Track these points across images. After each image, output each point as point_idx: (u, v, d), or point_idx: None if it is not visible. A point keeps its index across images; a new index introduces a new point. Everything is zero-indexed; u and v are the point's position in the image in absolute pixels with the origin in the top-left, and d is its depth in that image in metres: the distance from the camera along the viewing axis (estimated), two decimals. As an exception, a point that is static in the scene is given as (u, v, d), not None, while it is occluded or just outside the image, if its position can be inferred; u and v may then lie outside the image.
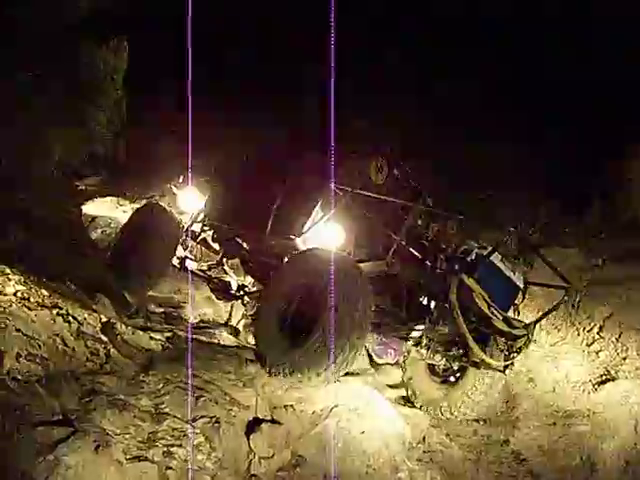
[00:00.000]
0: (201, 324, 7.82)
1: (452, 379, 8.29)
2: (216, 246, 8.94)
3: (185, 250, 8.95)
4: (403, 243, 7.31)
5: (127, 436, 4.80)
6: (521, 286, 7.76)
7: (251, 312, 8.56)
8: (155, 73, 11.40)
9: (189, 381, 5.86)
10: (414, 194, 8.15)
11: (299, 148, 8.20)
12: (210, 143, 9.53)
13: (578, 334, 9.74)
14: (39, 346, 5.29)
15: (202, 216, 8.95)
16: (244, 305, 8.78)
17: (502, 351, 7.43)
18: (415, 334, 7.83)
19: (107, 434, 4.63)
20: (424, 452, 7.24)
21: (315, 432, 6.33)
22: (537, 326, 7.99)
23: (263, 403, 6.30)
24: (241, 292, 8.58)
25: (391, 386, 9.23)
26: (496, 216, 11.51)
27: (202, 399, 5.74)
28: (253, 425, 5.95)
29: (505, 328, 7.20)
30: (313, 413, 6.48)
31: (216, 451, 5.35)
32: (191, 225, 8.97)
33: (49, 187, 8.81)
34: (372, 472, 6.24)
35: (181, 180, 9.61)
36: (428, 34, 13.25)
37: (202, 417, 5.54)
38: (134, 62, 10.42)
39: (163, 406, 5.45)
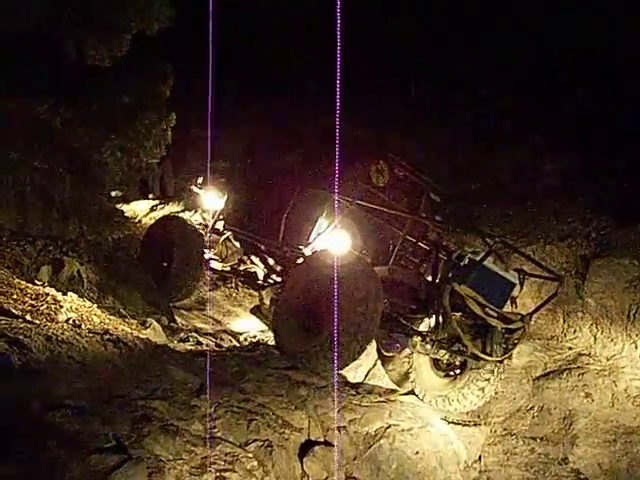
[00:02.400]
0: (250, 345, 7.76)
1: (454, 373, 8.46)
2: (237, 244, 9.62)
3: (209, 251, 9.55)
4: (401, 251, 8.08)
5: (180, 462, 4.78)
6: (515, 282, 8.10)
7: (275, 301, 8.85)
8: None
9: (241, 405, 5.84)
10: (419, 191, 8.81)
11: (307, 157, 8.93)
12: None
13: (635, 347, 9.45)
14: (91, 372, 5.32)
15: (221, 216, 9.64)
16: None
17: (500, 344, 7.78)
18: (421, 329, 8.21)
19: (160, 460, 4.61)
20: (480, 472, 7.12)
21: (369, 453, 6.26)
22: (591, 338, 8.65)
23: (316, 425, 6.24)
24: (268, 280, 9.14)
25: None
26: (544, 228, 11.32)
27: (254, 422, 5.70)
28: (306, 448, 5.91)
29: (500, 325, 7.67)
30: (366, 434, 6.41)
31: (269, 475, 5.31)
32: (214, 224, 9.64)
33: (100, 215, 8.93)
34: (428, 493, 6.15)
35: (201, 180, 10.14)
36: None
37: (254, 441, 5.50)
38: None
39: (215, 430, 5.43)
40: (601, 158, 11.86)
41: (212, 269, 9.61)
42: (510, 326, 7.76)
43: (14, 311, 5.82)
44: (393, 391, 7.81)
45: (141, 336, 6.47)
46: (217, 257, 9.66)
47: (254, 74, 13.62)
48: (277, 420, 5.93)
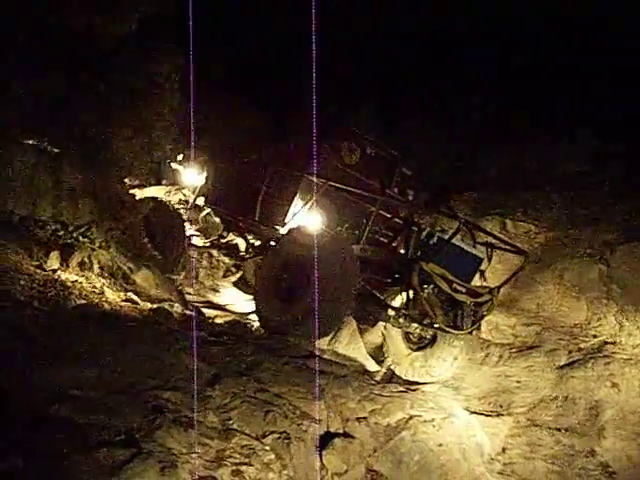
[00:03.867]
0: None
1: (425, 345, 8.84)
2: (217, 219, 10.09)
3: (191, 227, 10.09)
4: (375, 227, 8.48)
5: (194, 455, 4.54)
6: (483, 256, 8.57)
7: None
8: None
9: (257, 395, 5.62)
10: (391, 164, 9.15)
11: (282, 135, 8.99)
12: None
13: (663, 334, 9.17)
14: (100, 362, 5.10)
15: (202, 192, 10.00)
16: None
17: (469, 317, 8.21)
18: (395, 303, 8.62)
19: (173, 454, 4.38)
20: (505, 464, 6.86)
21: (390, 446, 6.01)
22: (617, 326, 8.93)
23: (335, 416, 6.00)
24: (250, 250, 9.56)
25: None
26: (567, 213, 11.05)
27: (271, 414, 5.46)
28: (325, 440, 5.66)
29: (467, 299, 8.07)
30: (387, 425, 6.16)
31: (287, 469, 5.07)
32: (195, 200, 10.09)
33: (111, 200, 8.74)
34: (451, 487, 5.90)
35: (181, 157, 10.64)
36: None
37: (271, 433, 5.27)
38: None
39: (231, 422, 5.20)
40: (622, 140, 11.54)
41: (194, 245, 10.04)
42: (478, 300, 8.12)
43: (21, 298, 5.61)
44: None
45: (152, 322, 6.23)
46: (199, 233, 10.10)
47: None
48: (295, 411, 5.70)
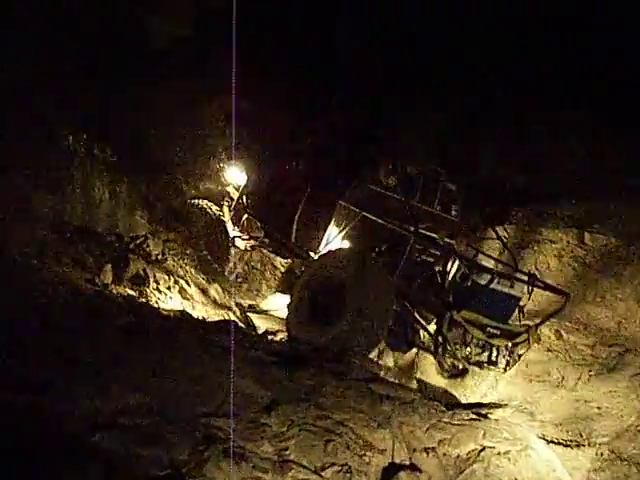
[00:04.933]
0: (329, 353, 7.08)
1: (457, 377, 8.73)
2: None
3: (234, 228, 9.86)
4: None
5: (246, 492, 4.16)
6: (521, 295, 8.29)
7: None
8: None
9: (317, 423, 5.19)
10: (434, 182, 9.03)
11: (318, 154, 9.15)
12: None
13: None
14: (146, 386, 4.76)
15: (244, 193, 9.90)
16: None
17: (504, 356, 8.11)
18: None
19: (223, 490, 4.00)
20: (588, 502, 6.26)
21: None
22: None
23: (400, 446, 5.51)
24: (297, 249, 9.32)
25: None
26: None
27: (332, 444, 5.02)
28: (390, 472, 5.16)
29: (502, 343, 7.98)
30: (458, 457, 5.64)
31: (348, 505, 4.64)
32: (239, 201, 9.87)
33: (169, 211, 8.51)
34: (527, 528, 5.35)
35: (223, 156, 10.41)
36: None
37: (332, 465, 4.83)
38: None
39: (287, 453, 4.79)
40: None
41: (236, 246, 9.87)
42: (514, 341, 8.05)
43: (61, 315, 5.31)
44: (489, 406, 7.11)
45: (206, 341, 5.86)
46: (241, 234, 9.83)
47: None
48: (357, 440, 5.25)
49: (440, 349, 7.71)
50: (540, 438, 6.92)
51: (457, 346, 7.92)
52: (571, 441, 7.42)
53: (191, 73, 8.08)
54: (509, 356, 8.11)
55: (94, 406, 4.27)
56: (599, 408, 8.02)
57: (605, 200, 10.78)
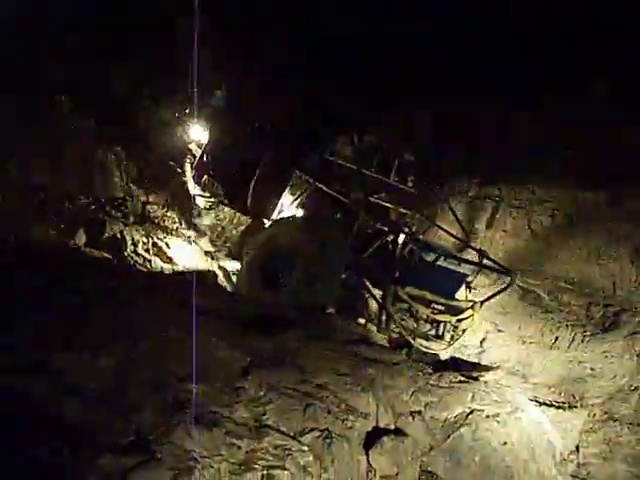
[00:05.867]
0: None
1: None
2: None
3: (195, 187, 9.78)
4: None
5: (217, 458, 3.92)
6: (468, 272, 8.44)
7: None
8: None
9: (297, 387, 4.97)
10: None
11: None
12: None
13: None
14: (114, 348, 4.52)
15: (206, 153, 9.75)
16: None
17: (449, 331, 8.25)
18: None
19: (191, 458, 3.76)
20: (579, 465, 6.08)
21: (448, 444, 5.32)
22: None
23: (385, 410, 5.32)
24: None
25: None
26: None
27: (312, 408, 4.81)
28: (373, 437, 4.97)
29: (447, 319, 8.08)
30: (445, 421, 5.46)
31: (328, 472, 4.43)
32: (202, 157, 9.72)
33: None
34: (517, 492, 5.17)
35: (187, 111, 10.40)
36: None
37: (311, 430, 4.61)
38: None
39: (264, 418, 4.56)
40: None
41: (197, 205, 9.96)
42: (459, 317, 8.08)
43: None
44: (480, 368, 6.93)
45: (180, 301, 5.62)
46: (203, 192, 9.78)
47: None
48: (339, 405, 5.04)
49: (383, 323, 7.76)
50: (532, 400, 6.75)
51: (403, 319, 8.11)
52: (563, 403, 7.24)
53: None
54: (453, 331, 8.25)
55: (59, 372, 4.03)
56: (592, 369, 7.85)
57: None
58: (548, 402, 7.16)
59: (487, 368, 7.56)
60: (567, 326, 8.77)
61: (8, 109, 7.12)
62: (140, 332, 4.75)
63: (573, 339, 8.57)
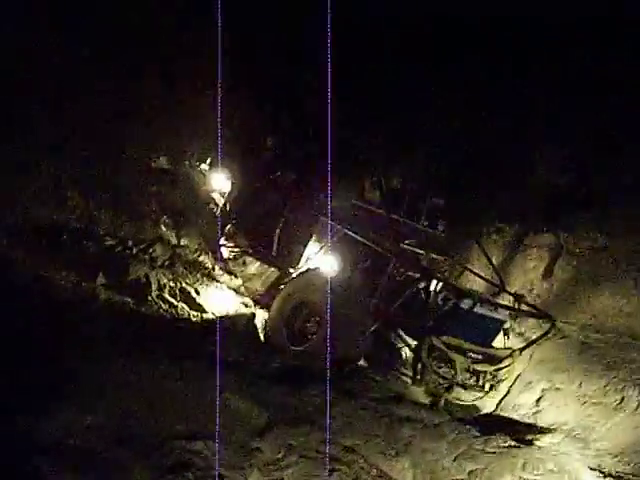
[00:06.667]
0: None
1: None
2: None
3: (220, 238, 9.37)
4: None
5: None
6: (505, 319, 7.94)
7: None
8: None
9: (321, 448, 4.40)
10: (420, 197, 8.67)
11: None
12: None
13: None
14: (114, 398, 4.05)
15: (229, 202, 9.54)
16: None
17: (487, 381, 7.77)
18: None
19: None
20: None
21: (494, 522, 4.65)
22: None
23: (423, 477, 4.69)
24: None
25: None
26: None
27: (337, 473, 4.24)
28: (407, 512, 4.40)
29: (485, 368, 7.68)
30: (492, 493, 4.79)
31: None
32: (225, 206, 9.51)
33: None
34: None
35: (209, 161, 9.92)
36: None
37: (335, 501, 4.05)
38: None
39: (281, 485, 4.02)
40: None
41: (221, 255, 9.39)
42: (497, 366, 7.76)
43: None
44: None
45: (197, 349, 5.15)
46: (226, 242, 9.41)
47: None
48: (369, 470, 4.46)
49: (418, 376, 7.30)
50: (594, 470, 5.98)
51: (441, 368, 7.58)
52: (633, 475, 6.37)
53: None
54: (492, 380, 7.82)
55: (38, 428, 3.56)
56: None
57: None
58: (614, 474, 6.31)
59: (543, 430, 6.87)
60: (634, 385, 7.95)
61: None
62: (138, 385, 4.26)
63: (642, 401, 7.75)
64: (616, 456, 6.72)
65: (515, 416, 7.85)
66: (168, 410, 4.16)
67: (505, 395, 8.45)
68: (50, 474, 3.26)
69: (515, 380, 8.50)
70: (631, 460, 6.55)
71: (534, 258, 9.78)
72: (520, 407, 8.17)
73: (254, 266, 9.60)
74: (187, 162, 9.22)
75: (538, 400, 8.26)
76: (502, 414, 7.89)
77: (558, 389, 8.18)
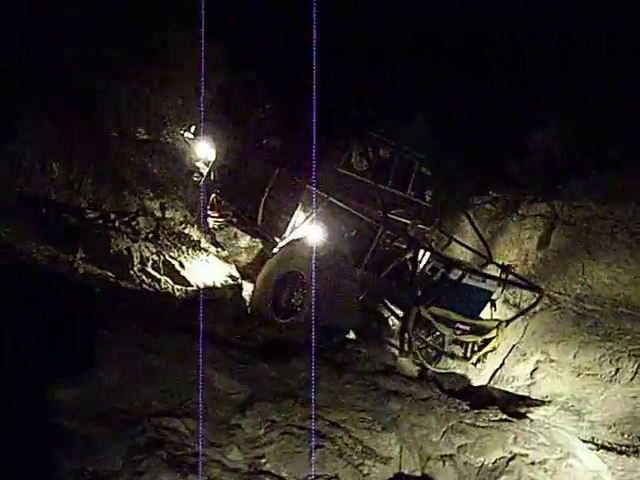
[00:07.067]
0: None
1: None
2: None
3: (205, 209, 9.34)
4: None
5: (191, 517, 3.25)
6: (493, 289, 7.92)
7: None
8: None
9: (305, 424, 4.26)
10: (408, 166, 8.59)
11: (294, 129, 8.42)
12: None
13: None
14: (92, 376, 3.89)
15: (212, 170, 9.62)
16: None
17: (474, 351, 7.82)
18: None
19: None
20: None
21: (485, 495, 4.52)
22: None
23: (410, 453, 4.56)
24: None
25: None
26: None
27: (320, 450, 4.09)
28: (395, 486, 4.25)
29: (472, 339, 7.76)
30: (481, 467, 4.67)
31: (334, 532, 3.71)
32: (209, 175, 9.53)
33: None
34: None
35: (193, 129, 9.89)
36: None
37: (317, 478, 3.90)
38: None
39: (262, 461, 3.88)
40: None
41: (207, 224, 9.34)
42: (484, 337, 7.77)
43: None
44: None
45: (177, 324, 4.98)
46: (210, 212, 9.52)
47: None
48: (355, 446, 4.32)
49: (406, 346, 7.17)
50: (588, 442, 5.87)
51: (429, 337, 7.76)
52: (627, 446, 6.24)
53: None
54: (479, 350, 7.81)
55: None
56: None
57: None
58: (607, 445, 6.18)
59: (536, 403, 6.74)
60: (630, 356, 7.81)
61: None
62: (115, 360, 4.10)
63: (637, 371, 7.61)
64: (610, 427, 6.63)
65: (509, 388, 7.75)
66: (145, 386, 4.00)
67: (499, 367, 8.36)
68: (21, 452, 3.12)
69: (509, 352, 8.42)
70: (625, 431, 6.45)
71: (529, 228, 9.62)
72: (514, 379, 8.07)
73: (245, 240, 9.53)
74: (167, 130, 8.93)
75: (532, 372, 8.15)
76: (496, 386, 7.79)
77: (553, 360, 8.06)
